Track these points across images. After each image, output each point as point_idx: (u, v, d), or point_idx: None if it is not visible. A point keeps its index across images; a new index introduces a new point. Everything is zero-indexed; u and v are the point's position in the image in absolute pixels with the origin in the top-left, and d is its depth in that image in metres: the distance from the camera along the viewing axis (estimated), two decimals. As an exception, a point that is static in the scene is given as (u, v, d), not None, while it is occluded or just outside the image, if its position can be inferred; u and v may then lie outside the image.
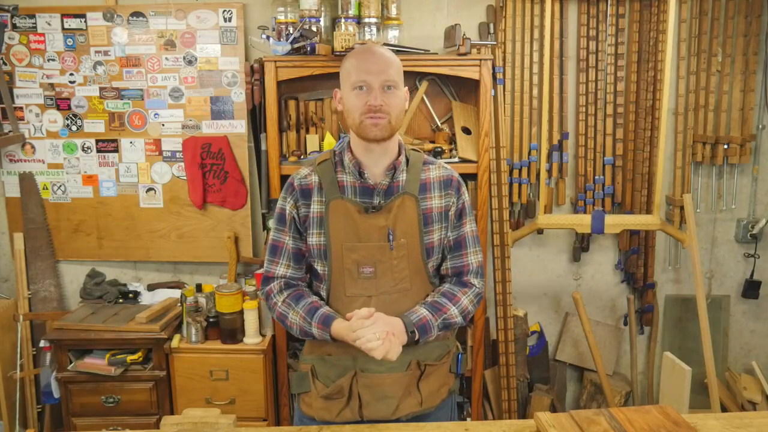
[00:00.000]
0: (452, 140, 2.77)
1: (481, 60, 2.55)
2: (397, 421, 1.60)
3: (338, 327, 1.55)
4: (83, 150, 2.94)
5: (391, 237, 1.60)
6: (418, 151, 1.72)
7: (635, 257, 3.03)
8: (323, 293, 1.66)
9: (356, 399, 1.61)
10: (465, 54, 2.55)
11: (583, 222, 2.74)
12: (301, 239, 1.66)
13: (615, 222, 2.74)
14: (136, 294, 2.96)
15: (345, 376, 1.61)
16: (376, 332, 1.47)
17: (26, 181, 2.96)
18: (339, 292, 1.62)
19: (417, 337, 1.56)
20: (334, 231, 1.60)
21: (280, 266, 1.68)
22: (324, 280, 1.64)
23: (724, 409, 2.88)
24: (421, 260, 1.64)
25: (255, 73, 2.65)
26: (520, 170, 2.94)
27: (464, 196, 1.70)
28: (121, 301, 2.92)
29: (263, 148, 2.67)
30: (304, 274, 1.71)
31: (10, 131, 2.88)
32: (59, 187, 2.97)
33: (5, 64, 2.86)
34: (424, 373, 1.65)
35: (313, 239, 1.63)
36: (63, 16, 2.83)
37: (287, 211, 1.66)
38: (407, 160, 1.66)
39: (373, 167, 1.63)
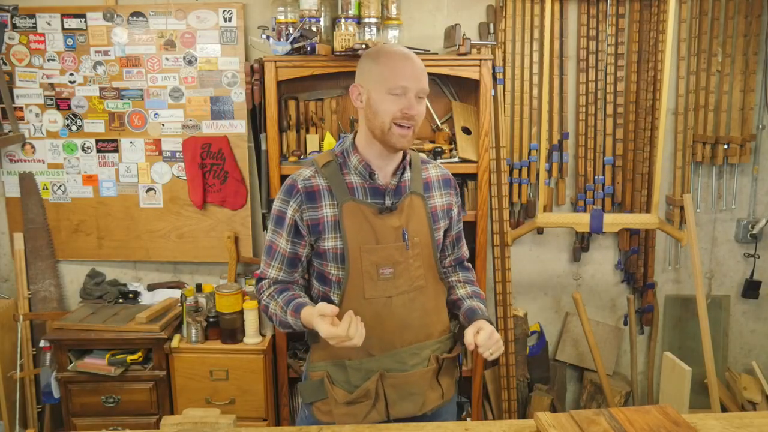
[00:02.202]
0: (452, 140, 2.77)
1: (481, 60, 2.55)
2: (423, 416, 1.63)
3: (306, 313, 1.52)
4: (83, 150, 2.94)
5: (405, 237, 1.60)
6: (414, 149, 1.76)
7: (635, 257, 3.03)
8: (335, 297, 1.61)
9: (382, 400, 1.59)
10: (465, 54, 2.55)
11: (582, 221, 2.74)
12: (299, 243, 1.62)
13: (614, 221, 2.74)
14: (136, 294, 2.96)
15: (370, 379, 1.58)
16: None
17: (26, 181, 2.96)
18: (357, 294, 1.59)
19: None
20: (350, 234, 1.57)
21: (273, 268, 1.65)
22: (339, 284, 1.61)
23: (724, 409, 2.88)
24: (433, 257, 1.66)
25: (255, 73, 2.65)
26: (520, 170, 2.94)
27: (459, 194, 1.80)
28: (121, 301, 2.92)
29: (263, 148, 2.67)
30: (298, 277, 1.68)
31: (10, 131, 2.88)
32: (59, 187, 2.97)
33: (5, 64, 2.86)
34: (442, 366, 1.67)
35: (329, 243, 1.59)
36: (63, 16, 2.83)
37: (288, 215, 1.60)
38: (410, 160, 1.69)
39: (383, 169, 1.63)
